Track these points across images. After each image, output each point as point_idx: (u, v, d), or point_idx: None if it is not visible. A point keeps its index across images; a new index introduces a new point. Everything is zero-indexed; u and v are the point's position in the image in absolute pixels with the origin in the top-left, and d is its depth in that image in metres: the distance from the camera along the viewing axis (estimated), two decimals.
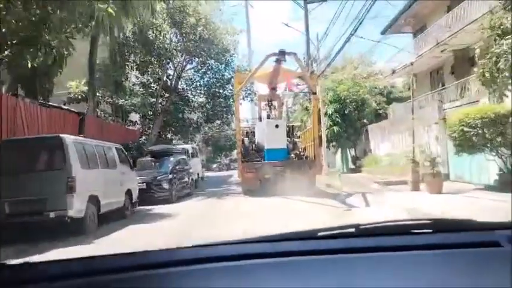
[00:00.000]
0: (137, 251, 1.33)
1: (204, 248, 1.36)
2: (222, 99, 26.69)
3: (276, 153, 14.75)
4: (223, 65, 26.40)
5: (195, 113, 27.73)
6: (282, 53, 13.27)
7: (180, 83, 26.94)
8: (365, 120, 26.33)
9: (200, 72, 26.79)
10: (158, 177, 14.26)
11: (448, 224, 1.72)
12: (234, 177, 26.39)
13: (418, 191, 12.50)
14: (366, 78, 30.56)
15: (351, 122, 25.79)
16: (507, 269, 1.15)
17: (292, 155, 15.95)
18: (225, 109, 26.88)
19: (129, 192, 10.73)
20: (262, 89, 20.77)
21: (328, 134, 25.01)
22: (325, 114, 25.32)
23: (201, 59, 25.29)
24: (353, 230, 1.42)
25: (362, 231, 1.43)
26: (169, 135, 26.10)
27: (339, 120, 25.58)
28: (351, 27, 16.64)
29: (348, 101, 26.15)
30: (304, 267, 1.22)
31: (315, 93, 17.46)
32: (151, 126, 25.02)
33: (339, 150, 29.23)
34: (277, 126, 15.27)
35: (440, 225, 1.59)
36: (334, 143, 25.84)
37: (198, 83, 26.98)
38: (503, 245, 1.29)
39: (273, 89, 17.36)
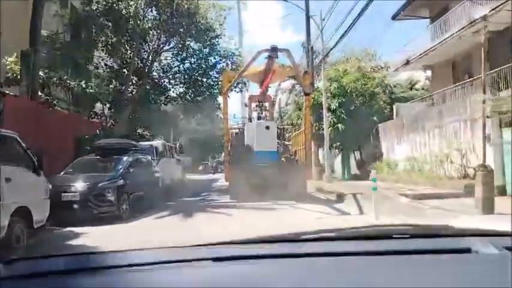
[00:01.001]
0: (130, 249, 1.41)
1: (181, 249, 1.43)
2: (204, 89, 22.36)
3: (265, 156, 14.03)
4: (206, 48, 22.08)
5: (172, 104, 23.32)
6: (274, 49, 12.60)
7: (155, 68, 22.55)
8: (375, 118, 22.21)
9: (179, 56, 22.36)
10: (100, 184, 9.86)
11: (426, 230, 1.79)
12: (220, 181, 24.02)
13: (492, 214, 8.26)
14: (372, 71, 26.50)
15: (358, 119, 21.64)
16: (477, 274, 1.20)
17: (283, 159, 15.20)
18: (207, 101, 22.59)
19: (22, 212, 6.32)
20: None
21: (331, 133, 20.83)
22: (329, 109, 21.14)
23: (179, 38, 20.90)
24: (335, 234, 1.52)
25: (344, 235, 1.52)
26: (140, 130, 21.64)
27: (344, 117, 21.40)
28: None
29: (354, 94, 22.03)
30: (286, 270, 1.25)
31: (307, 94, 16.57)
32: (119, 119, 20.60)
33: (340, 152, 25.08)
34: (267, 127, 14.58)
35: (418, 231, 1.68)
36: (337, 144, 21.60)
37: (177, 69, 22.58)
38: (475, 251, 1.33)
39: (265, 88, 16.57)
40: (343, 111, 21.48)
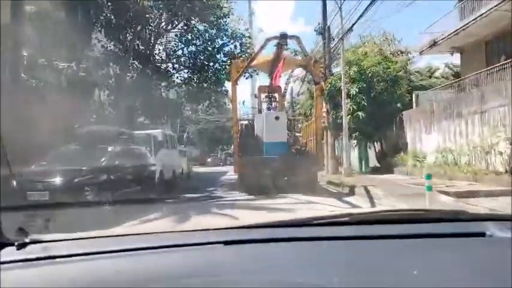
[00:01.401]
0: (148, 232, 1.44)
1: (196, 233, 1.44)
2: (210, 74, 20.45)
3: (275, 147, 13.71)
4: (213, 29, 20.12)
5: (176, 91, 21.45)
6: (284, 36, 12.18)
7: (157, 51, 20.69)
8: (398, 105, 20.10)
9: (183, 38, 20.43)
10: (76, 180, 8.03)
11: (441, 214, 1.74)
12: (229, 174, 22.41)
13: None
14: (392, 57, 24.25)
15: (380, 106, 19.57)
16: (491, 258, 1.20)
17: (293, 150, 14.70)
18: (214, 86, 20.70)
19: None
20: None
21: (350, 122, 18.79)
22: (348, 95, 19.09)
23: (183, 17, 18.98)
24: (348, 218, 1.46)
25: (357, 219, 1.48)
26: (141, 119, 19.86)
27: (365, 104, 19.33)
28: None
29: (375, 79, 19.92)
30: (298, 253, 1.25)
31: (318, 83, 16.00)
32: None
33: (358, 143, 22.98)
34: (277, 118, 14.28)
35: (433, 215, 1.63)
36: (356, 134, 19.53)
37: (181, 52, 20.67)
38: (490, 235, 1.32)
39: (274, 78, 15.90)
40: (363, 97, 19.40)
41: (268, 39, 12.97)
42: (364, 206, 9.45)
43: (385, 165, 20.11)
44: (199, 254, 1.25)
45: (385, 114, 19.65)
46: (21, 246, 1.27)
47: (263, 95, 18.04)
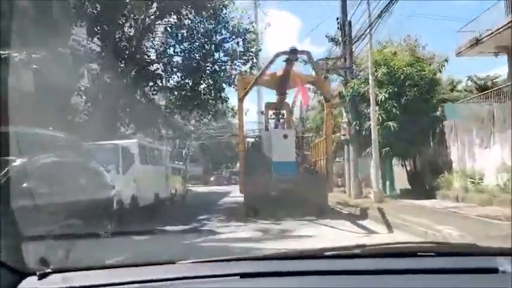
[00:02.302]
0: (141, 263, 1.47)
1: (204, 264, 1.44)
2: (207, 76, 16.94)
3: (283, 167, 13.17)
4: (211, 23, 16.68)
5: (168, 97, 17.93)
6: (294, 51, 11.75)
7: (144, 49, 17.26)
8: (438, 113, 16.42)
9: (175, 33, 16.98)
10: None
11: (451, 248, 1.77)
12: (233, 195, 20.39)
13: None
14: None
15: (414, 115, 15.91)
16: None
17: (301, 169, 14.31)
18: (211, 91, 17.17)
19: None
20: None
21: (380, 134, 15.08)
22: (377, 102, 15.46)
23: (173, 7, 15.58)
24: (359, 250, 1.48)
25: (367, 252, 1.50)
26: (123, 129, 16.33)
27: (397, 112, 15.66)
28: None
29: (408, 83, 16.33)
30: (312, 287, 1.28)
31: (328, 101, 15.04)
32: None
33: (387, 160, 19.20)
34: (285, 136, 13.91)
35: (443, 249, 1.64)
36: (387, 149, 15.74)
37: (173, 50, 17.21)
38: (502, 271, 1.29)
39: (282, 95, 15.98)
40: (394, 104, 15.75)
41: (277, 55, 12.40)
42: (379, 230, 8.99)
43: (419, 187, 16.32)
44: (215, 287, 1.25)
45: (419, 125, 15.96)
46: (43, 276, 1.29)
47: (270, 112, 17.83)
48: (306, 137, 23.26)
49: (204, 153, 50.08)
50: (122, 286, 1.24)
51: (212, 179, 49.64)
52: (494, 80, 29.28)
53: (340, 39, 18.38)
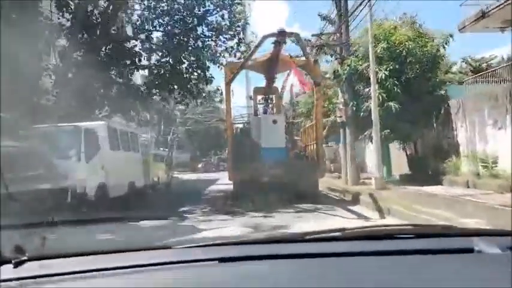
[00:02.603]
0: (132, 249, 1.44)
1: (181, 250, 1.42)
2: (189, 54, 15.34)
3: (273, 153, 12.97)
4: None
5: (149, 76, 16.26)
6: (282, 33, 11.01)
7: (119, 24, 15.57)
8: (442, 92, 15.08)
9: (155, 5, 15.28)
10: None
11: (429, 229, 1.84)
12: (220, 182, 20.20)
13: None
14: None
15: (416, 95, 14.56)
16: (480, 274, 1.20)
17: (291, 155, 14.33)
18: (193, 70, 15.59)
19: None
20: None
21: (380, 115, 13.68)
22: (378, 80, 14.06)
23: None
24: (339, 233, 1.47)
25: (347, 235, 1.48)
26: (97, 111, 14.69)
27: (398, 91, 14.27)
28: None
29: (409, 59, 14.93)
30: (292, 270, 1.26)
31: (318, 85, 14.50)
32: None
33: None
34: (275, 121, 13.69)
35: (421, 231, 1.67)
36: (387, 132, 14.36)
37: (152, 25, 15.49)
38: (478, 251, 1.32)
39: (271, 79, 15.59)
40: (396, 82, 14.35)
41: (265, 37, 11.74)
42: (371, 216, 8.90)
43: (421, 172, 15.03)
44: (194, 272, 1.24)
45: (422, 105, 14.60)
46: (19, 264, 1.27)
47: (259, 97, 17.53)
48: (296, 122, 23.01)
49: (192, 139, 48.41)
50: (97, 273, 1.21)
51: (200, 165, 48.11)
52: (489, 62, 28.31)
53: (333, 17, 16.91)
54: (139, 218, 8.09)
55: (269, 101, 17.20)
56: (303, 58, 13.85)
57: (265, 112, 16.92)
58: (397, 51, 14.82)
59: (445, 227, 1.86)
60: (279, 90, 17.62)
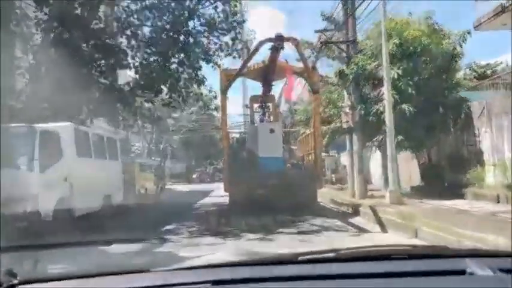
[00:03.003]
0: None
1: (175, 272, 1.41)
2: (178, 51, 13.76)
3: (270, 163, 12.63)
4: None
5: (135, 76, 14.61)
6: (279, 38, 10.75)
7: (102, 18, 13.99)
8: (461, 95, 13.55)
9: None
10: None
11: (423, 250, 1.77)
12: (215, 194, 19.49)
13: None
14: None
15: (431, 97, 13.04)
16: None
17: (289, 165, 13.90)
18: (183, 70, 14.01)
19: None
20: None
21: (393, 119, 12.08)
22: (393, 80, 12.51)
23: None
24: (333, 254, 1.47)
25: (341, 256, 1.48)
26: (77, 114, 13.01)
27: (412, 92, 12.71)
28: None
29: (424, 58, 13.44)
30: None
31: (317, 92, 14.05)
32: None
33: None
34: (272, 130, 13.37)
35: (415, 252, 1.64)
36: (400, 138, 12.73)
37: (137, 18, 13.92)
38: (470, 273, 1.32)
39: (268, 87, 15.13)
40: (409, 82, 12.79)
41: (262, 42, 11.47)
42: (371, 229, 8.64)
43: (437, 184, 13.44)
44: None
45: (438, 108, 13.06)
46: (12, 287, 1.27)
47: (256, 105, 17.44)
48: (294, 131, 22.45)
49: (187, 148, 46.68)
50: None
51: (195, 176, 46.49)
52: (494, 68, 27.28)
53: (337, 17, 15.46)
54: (107, 241, 6.45)
55: (266, 110, 16.91)
56: (301, 65, 13.23)
57: (262, 121, 16.75)
58: (411, 48, 13.30)
59: (439, 248, 1.84)
60: (276, 98, 17.76)
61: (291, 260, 1.49)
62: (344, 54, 14.71)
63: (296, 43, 12.11)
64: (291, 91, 15.49)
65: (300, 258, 1.47)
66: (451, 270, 1.37)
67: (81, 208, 8.10)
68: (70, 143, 8.11)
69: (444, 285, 1.30)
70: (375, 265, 1.43)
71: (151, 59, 14.13)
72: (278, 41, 10.90)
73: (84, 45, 13.35)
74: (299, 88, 24.32)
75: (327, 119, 16.61)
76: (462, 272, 1.33)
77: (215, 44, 14.40)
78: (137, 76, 13.89)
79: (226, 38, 14.20)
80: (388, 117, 11.45)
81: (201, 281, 1.28)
